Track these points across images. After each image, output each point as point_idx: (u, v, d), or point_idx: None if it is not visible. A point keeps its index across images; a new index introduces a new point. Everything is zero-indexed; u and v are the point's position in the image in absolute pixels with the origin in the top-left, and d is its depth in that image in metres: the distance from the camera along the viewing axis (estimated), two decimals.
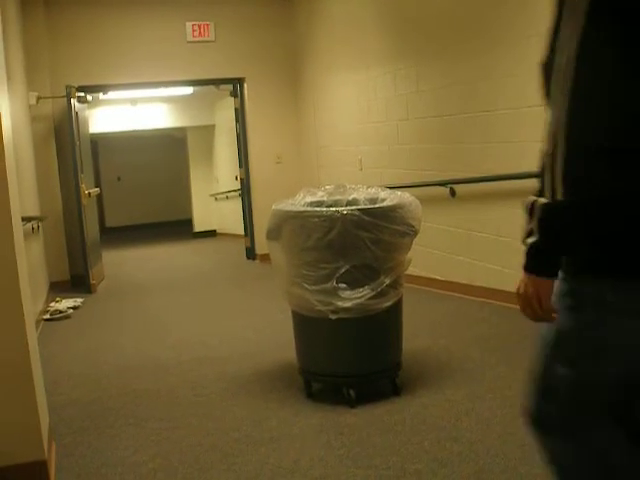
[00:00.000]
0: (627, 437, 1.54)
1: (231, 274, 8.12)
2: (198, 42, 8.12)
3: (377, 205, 3.41)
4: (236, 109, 8.75)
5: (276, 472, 2.82)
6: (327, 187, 3.75)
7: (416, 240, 3.52)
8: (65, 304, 6.36)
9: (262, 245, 7.65)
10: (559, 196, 1.37)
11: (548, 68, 1.42)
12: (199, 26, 8.11)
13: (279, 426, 3.28)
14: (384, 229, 3.27)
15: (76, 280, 7.47)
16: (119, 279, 8.18)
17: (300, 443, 3.07)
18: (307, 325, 3.53)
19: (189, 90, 10.49)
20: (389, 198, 3.47)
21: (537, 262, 1.46)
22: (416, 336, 4.37)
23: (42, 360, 3.21)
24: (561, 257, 1.45)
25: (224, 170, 11.82)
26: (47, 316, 5.99)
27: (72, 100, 7.19)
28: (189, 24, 8.07)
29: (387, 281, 3.33)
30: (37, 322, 5.15)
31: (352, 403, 3.41)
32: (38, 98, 7.29)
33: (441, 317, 5.11)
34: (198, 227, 12.68)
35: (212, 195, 12.37)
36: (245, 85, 8.46)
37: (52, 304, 6.36)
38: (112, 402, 3.80)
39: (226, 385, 3.94)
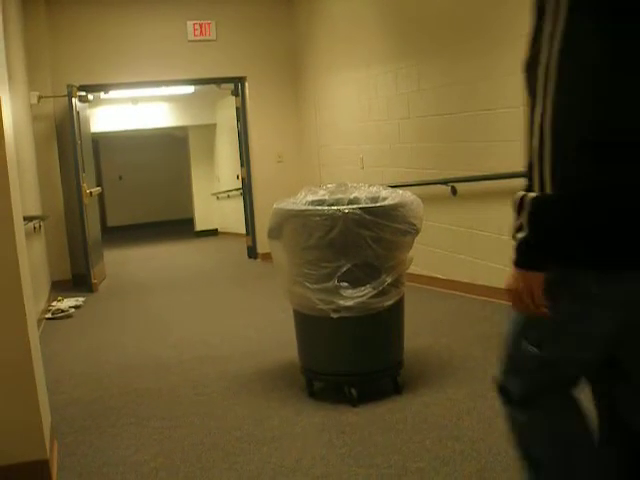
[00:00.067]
0: (577, 410, 1.65)
1: (232, 273, 8.13)
2: (199, 41, 8.12)
3: (378, 204, 3.41)
4: (237, 108, 8.75)
5: (278, 471, 2.82)
6: (328, 186, 3.74)
7: (417, 239, 3.52)
8: (67, 303, 6.37)
9: (264, 244, 7.66)
10: (548, 191, 1.39)
11: (531, 66, 1.43)
12: (200, 25, 8.11)
13: (281, 425, 3.28)
14: (385, 228, 3.26)
15: (78, 279, 7.48)
16: (121, 278, 8.19)
17: (302, 442, 3.07)
18: (309, 324, 3.53)
19: (190, 89, 10.49)
20: (390, 197, 3.47)
21: (528, 257, 1.48)
22: (418, 335, 4.37)
23: (44, 359, 3.21)
24: (551, 251, 1.46)
25: (225, 169, 11.82)
26: (49, 315, 6.00)
27: (73, 99, 7.19)
28: (190, 23, 8.07)
29: (388, 280, 3.32)
30: (39, 321, 5.15)
31: (354, 402, 3.41)
32: (39, 97, 7.30)
33: (443, 316, 5.10)
34: (200, 226, 12.69)
35: (214, 194, 12.37)
36: (246, 84, 8.47)
37: (54, 303, 6.36)
38: (114, 401, 3.81)
39: (228, 384, 3.94)
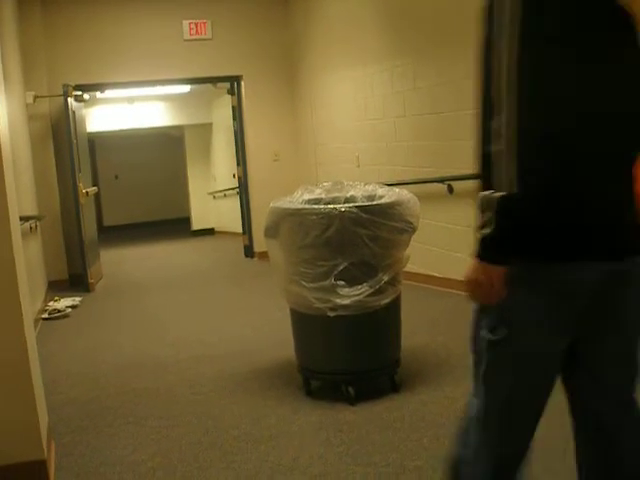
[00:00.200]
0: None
1: (229, 272, 8.12)
2: (195, 40, 8.11)
3: (375, 202, 3.41)
4: (233, 107, 8.74)
5: (275, 470, 2.82)
6: (325, 184, 3.74)
7: (414, 237, 3.52)
8: (63, 303, 6.36)
9: (260, 243, 7.65)
10: (514, 190, 1.48)
11: (486, 75, 1.56)
12: (196, 24, 8.10)
13: (278, 424, 3.28)
14: (382, 226, 3.26)
15: (74, 279, 7.46)
16: (117, 278, 8.18)
17: (299, 441, 3.08)
18: (305, 323, 3.53)
19: (186, 88, 10.47)
20: (387, 195, 3.47)
21: (493, 252, 1.58)
22: (415, 333, 4.37)
23: (41, 359, 3.20)
24: (514, 246, 1.56)
25: (222, 168, 11.81)
26: (45, 315, 5.99)
27: (69, 99, 7.18)
28: (186, 22, 8.06)
29: (385, 278, 3.33)
30: (35, 321, 5.15)
31: (351, 400, 3.41)
32: (35, 97, 7.28)
33: (439, 314, 5.11)
34: (196, 225, 12.67)
35: (210, 193, 12.36)
36: (242, 83, 8.46)
37: (50, 303, 6.36)
38: (111, 401, 3.80)
39: (225, 383, 3.94)
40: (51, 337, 5.33)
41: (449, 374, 3.75)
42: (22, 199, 5.35)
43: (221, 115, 11.13)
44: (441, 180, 5.58)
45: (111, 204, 14.34)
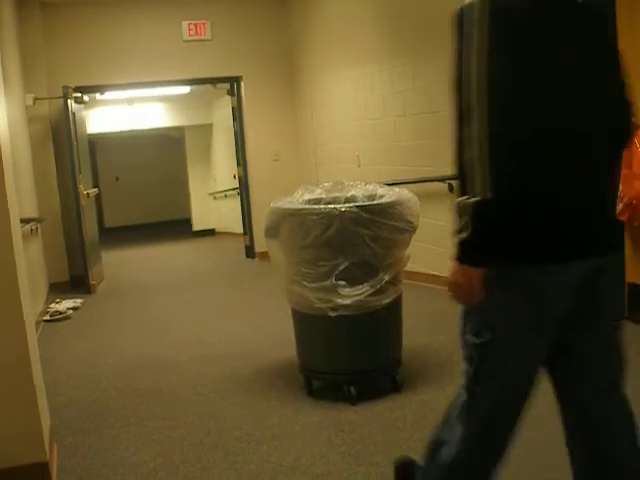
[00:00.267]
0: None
1: (230, 273, 8.12)
2: (194, 41, 8.11)
3: (375, 202, 3.41)
4: (233, 108, 8.74)
5: (277, 470, 2.82)
6: (325, 184, 3.74)
7: (415, 236, 3.52)
8: (65, 305, 6.36)
9: (261, 243, 7.64)
10: (488, 195, 1.54)
11: (458, 85, 1.62)
12: (195, 25, 8.10)
13: (280, 424, 3.28)
14: (383, 226, 3.26)
15: (75, 281, 7.46)
16: (118, 279, 8.18)
17: (301, 441, 3.08)
18: (306, 323, 3.53)
19: (186, 89, 10.46)
20: (387, 195, 3.47)
21: (470, 255, 1.62)
22: (416, 333, 4.36)
23: (42, 361, 3.20)
24: (490, 249, 1.61)
25: (222, 169, 11.81)
26: (47, 317, 5.99)
27: (69, 101, 7.18)
28: (185, 23, 8.06)
29: (386, 278, 3.33)
30: (37, 323, 5.15)
31: (352, 400, 3.41)
32: (35, 99, 7.28)
33: (441, 313, 5.09)
34: (197, 226, 12.67)
35: (211, 194, 12.36)
36: (242, 84, 8.46)
37: (52, 305, 6.36)
38: (112, 402, 3.80)
39: (226, 384, 3.94)
40: (52, 339, 5.33)
41: (450, 374, 3.74)
42: (22, 201, 5.35)
43: (221, 116, 11.13)
44: (441, 179, 5.58)
45: (112, 205, 14.34)
